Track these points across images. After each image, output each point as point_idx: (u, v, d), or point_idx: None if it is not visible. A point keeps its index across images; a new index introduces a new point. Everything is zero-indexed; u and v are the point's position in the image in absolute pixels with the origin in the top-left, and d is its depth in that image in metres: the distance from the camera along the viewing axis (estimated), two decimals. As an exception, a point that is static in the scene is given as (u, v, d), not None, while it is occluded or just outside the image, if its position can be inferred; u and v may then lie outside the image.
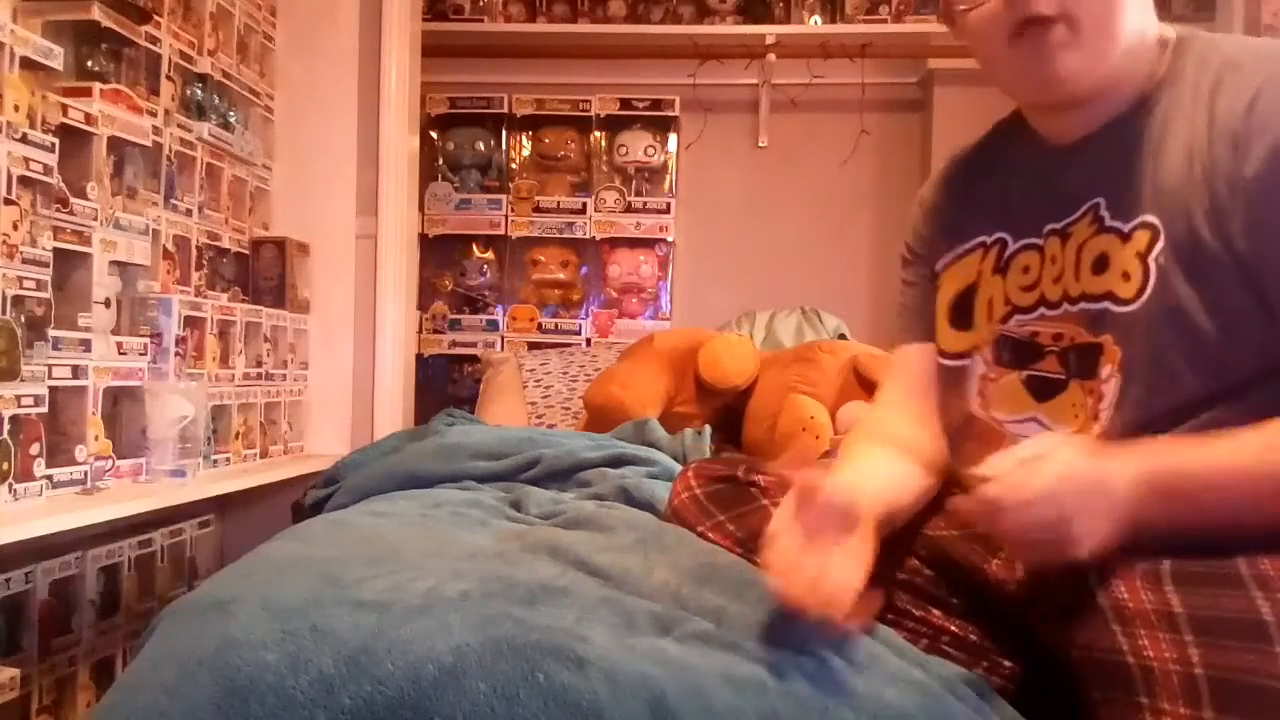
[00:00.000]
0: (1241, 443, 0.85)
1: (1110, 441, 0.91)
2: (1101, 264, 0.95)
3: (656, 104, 3.14)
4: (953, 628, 0.98)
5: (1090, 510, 0.83)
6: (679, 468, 1.62)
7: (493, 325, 3.13)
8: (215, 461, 1.95)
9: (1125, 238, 0.94)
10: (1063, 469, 0.84)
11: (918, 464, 1.08)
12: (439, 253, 3.18)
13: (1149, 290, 0.92)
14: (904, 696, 0.77)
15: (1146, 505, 0.84)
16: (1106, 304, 0.94)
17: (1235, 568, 0.82)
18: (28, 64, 1.46)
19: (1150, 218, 0.93)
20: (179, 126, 1.97)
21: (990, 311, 1.04)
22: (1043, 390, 0.99)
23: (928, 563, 1.00)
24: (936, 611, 0.99)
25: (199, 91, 2.05)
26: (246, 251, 2.26)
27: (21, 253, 1.42)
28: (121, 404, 1.71)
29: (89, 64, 1.73)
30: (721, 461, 1.21)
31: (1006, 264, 1.04)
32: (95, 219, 1.61)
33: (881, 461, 1.06)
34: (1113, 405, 0.93)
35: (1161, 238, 0.92)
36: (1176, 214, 0.91)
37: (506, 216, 3.12)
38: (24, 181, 1.43)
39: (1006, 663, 0.96)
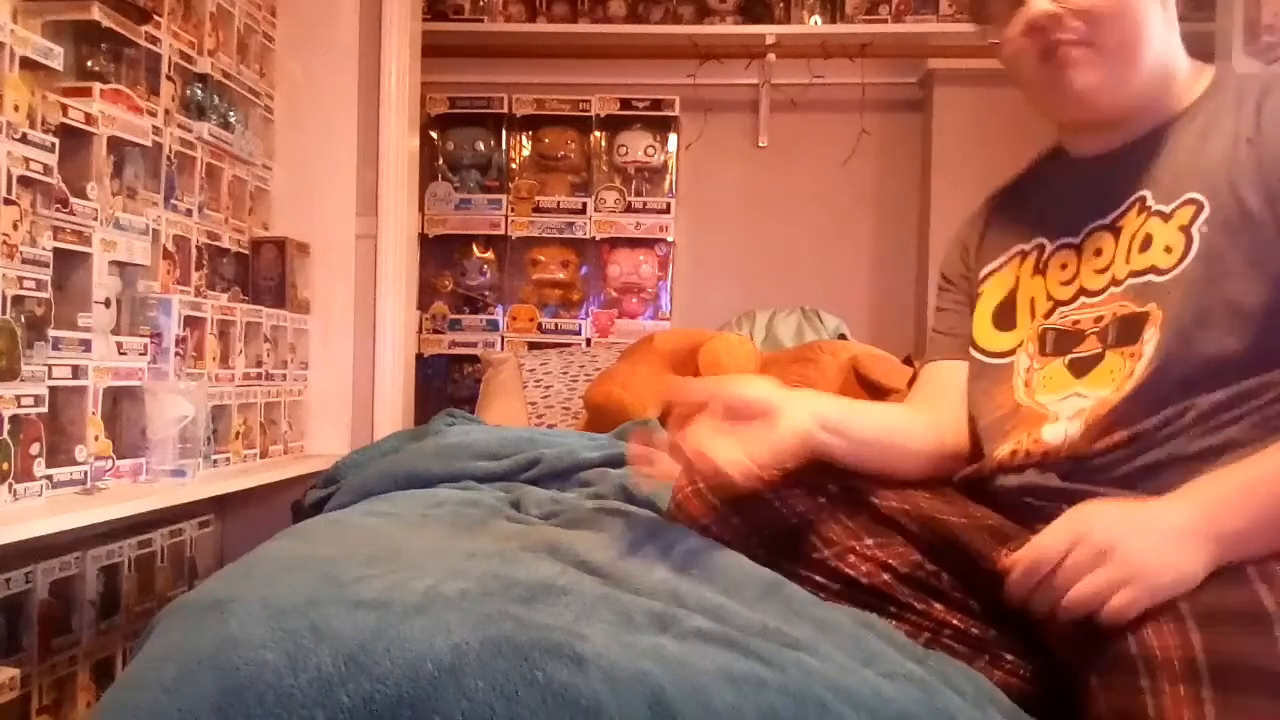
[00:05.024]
0: None
1: (1148, 402, 0.96)
2: (1146, 244, 1.02)
3: (656, 104, 3.14)
4: (955, 621, 0.98)
5: (1140, 537, 0.85)
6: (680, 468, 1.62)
7: (493, 325, 3.13)
8: (215, 461, 1.95)
9: (1168, 217, 1.01)
10: (1079, 510, 0.87)
11: (907, 425, 1.14)
12: (439, 253, 3.18)
13: (1191, 255, 0.98)
14: (902, 691, 0.77)
15: (1223, 515, 0.85)
16: (1149, 276, 1.00)
17: (1241, 567, 0.83)
18: (28, 64, 1.46)
19: (1193, 194, 1.00)
20: (179, 126, 1.97)
21: (1033, 310, 1.11)
22: (1082, 367, 1.04)
23: (931, 556, 1.01)
24: (939, 605, 0.99)
25: (199, 91, 2.05)
26: (246, 251, 2.26)
27: (21, 253, 1.42)
28: (121, 404, 1.71)
29: (89, 64, 1.73)
30: None
31: (1045, 265, 1.12)
32: (95, 219, 1.61)
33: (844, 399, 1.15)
34: (1150, 362, 0.97)
35: (1206, 208, 0.98)
36: (1221, 185, 0.98)
37: (506, 216, 3.12)
38: (24, 181, 1.43)
39: (1009, 657, 0.96)
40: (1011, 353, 1.11)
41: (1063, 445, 1.00)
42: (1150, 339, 0.98)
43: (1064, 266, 1.09)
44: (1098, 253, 1.06)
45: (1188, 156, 1.02)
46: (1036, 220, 1.15)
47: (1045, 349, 1.08)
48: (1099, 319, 1.03)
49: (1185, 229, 0.99)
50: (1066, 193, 1.13)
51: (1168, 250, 1.00)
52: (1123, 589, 0.83)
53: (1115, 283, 1.03)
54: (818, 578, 1.01)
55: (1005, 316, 1.14)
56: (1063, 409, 1.03)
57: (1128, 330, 1.00)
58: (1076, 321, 1.06)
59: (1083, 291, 1.07)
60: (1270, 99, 1.00)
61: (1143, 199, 1.04)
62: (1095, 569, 0.84)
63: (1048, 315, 1.09)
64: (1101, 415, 0.98)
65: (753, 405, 1.01)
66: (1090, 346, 1.03)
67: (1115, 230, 1.06)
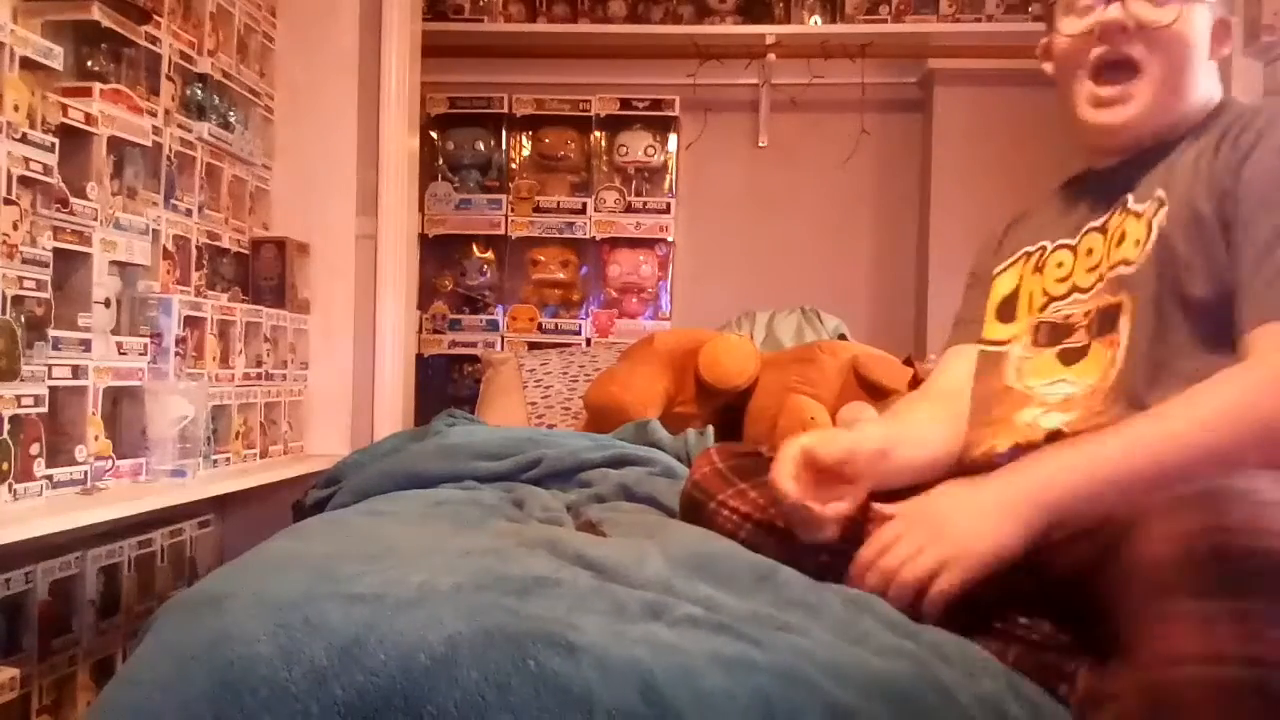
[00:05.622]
0: (1157, 419, 0.96)
1: (1128, 388, 1.03)
2: (1121, 239, 1.12)
3: (656, 104, 3.14)
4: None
5: (957, 518, 0.93)
6: (682, 467, 1.63)
7: (493, 325, 3.13)
8: (215, 461, 1.95)
9: (1139, 215, 1.11)
10: (914, 501, 0.97)
11: (923, 434, 1.20)
12: (439, 253, 3.18)
13: (1150, 245, 1.07)
14: (892, 665, 0.77)
15: (1045, 488, 0.93)
16: (1120, 269, 1.10)
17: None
18: (28, 64, 1.46)
19: (1159, 192, 1.09)
20: (179, 126, 1.97)
21: (1030, 304, 1.20)
22: (1071, 357, 1.12)
23: None
24: None
25: (199, 91, 2.05)
26: (246, 251, 2.27)
27: (21, 253, 1.42)
28: (121, 404, 1.71)
29: (89, 64, 1.73)
30: (743, 444, 1.26)
31: (1043, 263, 1.21)
32: (95, 219, 1.61)
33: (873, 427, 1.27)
34: (1126, 349, 1.06)
35: (1166, 205, 1.08)
36: (1181, 188, 1.08)
37: (506, 216, 3.12)
38: (24, 181, 1.43)
39: (1022, 620, 0.98)
40: (1008, 342, 1.20)
41: (1058, 432, 1.06)
42: (1124, 328, 1.07)
43: (1060, 265, 1.18)
44: (1089, 252, 1.15)
45: (1167, 164, 1.12)
46: (1045, 226, 1.24)
47: (1038, 340, 1.16)
48: (1087, 313, 1.12)
49: (1149, 223, 1.08)
50: (1074, 201, 1.23)
51: (1136, 244, 1.09)
52: (942, 572, 0.91)
53: (1100, 279, 1.12)
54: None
55: (1007, 310, 1.23)
56: (1049, 394, 1.10)
57: (1107, 321, 1.09)
58: (1068, 316, 1.14)
59: (1075, 289, 1.15)
60: (1239, 122, 1.10)
61: (1125, 201, 1.14)
62: (917, 557, 0.93)
63: (1042, 309, 1.18)
64: (1095, 402, 1.06)
65: (848, 469, 1.06)
66: (1079, 339, 1.12)
67: (1104, 231, 1.15)
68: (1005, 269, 1.26)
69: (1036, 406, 1.11)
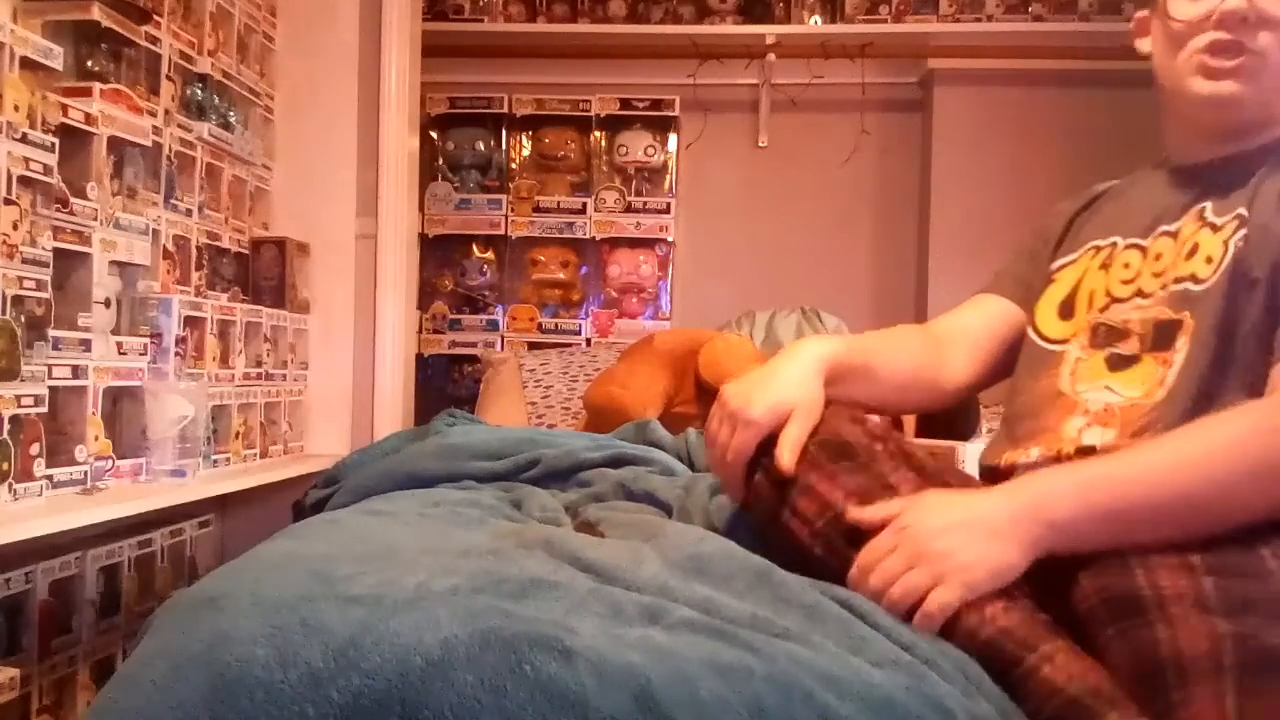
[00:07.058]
0: (1167, 448, 0.94)
1: (1177, 410, 1.00)
2: (1193, 252, 1.08)
3: (656, 104, 3.14)
4: None
5: (953, 536, 0.90)
6: (682, 467, 1.62)
7: (493, 325, 3.14)
8: (215, 461, 1.95)
9: (1217, 229, 1.07)
10: (907, 511, 0.94)
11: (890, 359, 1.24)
12: (439, 253, 3.18)
13: (1224, 265, 1.04)
14: (890, 679, 0.77)
15: (1048, 508, 0.91)
16: (1187, 284, 1.06)
17: (1262, 560, 0.86)
18: (28, 64, 1.46)
19: (1241, 210, 1.06)
20: (179, 126, 1.97)
21: (1091, 302, 1.16)
22: (1119, 363, 1.09)
23: None
24: None
25: (199, 91, 2.05)
26: (246, 251, 2.27)
27: (21, 253, 1.42)
28: (121, 404, 1.71)
29: (89, 64, 1.73)
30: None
31: (1111, 260, 1.16)
32: (95, 219, 1.61)
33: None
34: (1179, 371, 1.03)
35: (1246, 227, 1.04)
36: (1264, 207, 1.05)
37: (506, 216, 3.13)
38: (24, 181, 1.43)
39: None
40: (1065, 341, 1.16)
41: (1091, 449, 1.04)
42: (1182, 347, 1.03)
43: (1127, 266, 1.14)
44: (1158, 257, 1.11)
45: (1254, 184, 1.08)
46: (1117, 221, 1.19)
47: (1095, 342, 1.13)
48: (1144, 322, 1.09)
49: (1226, 242, 1.05)
50: (1150, 197, 1.18)
51: (1208, 261, 1.05)
52: (935, 589, 0.88)
53: (1164, 286, 1.09)
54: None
55: (1068, 307, 1.19)
56: (1093, 400, 1.07)
57: (1164, 336, 1.06)
58: (1127, 321, 1.10)
59: (1139, 293, 1.11)
60: None
61: (1202, 209, 1.10)
62: (909, 571, 0.90)
63: (1103, 310, 1.14)
64: (1134, 419, 1.03)
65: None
66: (1131, 347, 1.09)
67: (1176, 236, 1.11)
68: (1070, 263, 1.22)
69: (1081, 415, 1.08)
